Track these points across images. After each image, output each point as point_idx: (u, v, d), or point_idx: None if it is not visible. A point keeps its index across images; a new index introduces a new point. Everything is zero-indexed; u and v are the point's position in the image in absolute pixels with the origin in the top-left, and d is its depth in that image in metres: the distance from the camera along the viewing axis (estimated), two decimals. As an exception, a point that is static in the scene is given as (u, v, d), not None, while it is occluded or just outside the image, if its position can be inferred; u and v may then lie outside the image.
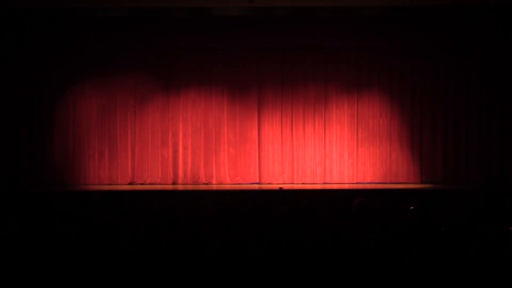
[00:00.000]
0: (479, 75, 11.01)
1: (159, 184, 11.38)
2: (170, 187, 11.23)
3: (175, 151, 11.49)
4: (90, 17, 10.55)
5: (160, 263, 5.03)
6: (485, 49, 10.83)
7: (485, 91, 11.02)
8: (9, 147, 10.85)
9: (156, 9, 9.96)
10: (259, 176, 11.52)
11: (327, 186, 11.13)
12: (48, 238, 5.46)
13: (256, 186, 11.21)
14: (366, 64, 11.31)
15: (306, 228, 5.76)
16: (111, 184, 11.28)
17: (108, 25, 10.79)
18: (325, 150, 11.48)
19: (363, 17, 10.68)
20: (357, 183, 11.33)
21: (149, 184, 11.38)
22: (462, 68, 11.09)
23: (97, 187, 10.94)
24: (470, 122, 11.13)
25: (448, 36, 10.89)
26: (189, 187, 11.20)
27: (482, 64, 10.93)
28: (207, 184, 11.39)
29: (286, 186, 10.67)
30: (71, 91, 11.22)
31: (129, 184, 11.34)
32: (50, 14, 10.35)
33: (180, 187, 11.26)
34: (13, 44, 10.74)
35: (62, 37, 10.79)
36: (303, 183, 11.36)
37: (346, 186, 11.15)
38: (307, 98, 11.55)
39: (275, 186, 10.73)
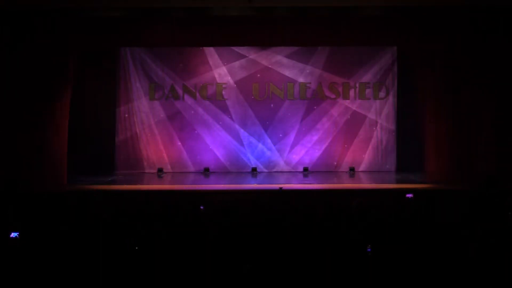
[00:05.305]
0: (479, 74, 10.98)
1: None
2: (170, 187, 11.20)
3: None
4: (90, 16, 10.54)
5: (160, 263, 5.03)
6: (485, 49, 10.83)
7: (485, 90, 11.01)
8: (9, 147, 10.82)
9: (155, 8, 9.93)
10: None
11: (328, 186, 11.10)
12: (48, 238, 5.46)
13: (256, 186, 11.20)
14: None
15: (306, 228, 5.76)
16: (111, 184, 11.26)
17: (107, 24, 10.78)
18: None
19: (363, 16, 10.65)
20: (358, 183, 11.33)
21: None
22: (462, 67, 11.07)
23: (97, 187, 10.93)
24: (471, 122, 11.11)
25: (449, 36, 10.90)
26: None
27: (482, 63, 10.92)
28: None
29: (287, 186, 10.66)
30: (70, 90, 11.19)
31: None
32: (50, 14, 10.33)
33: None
34: (11, 44, 10.72)
35: (61, 37, 10.79)
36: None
37: (346, 186, 11.13)
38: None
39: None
